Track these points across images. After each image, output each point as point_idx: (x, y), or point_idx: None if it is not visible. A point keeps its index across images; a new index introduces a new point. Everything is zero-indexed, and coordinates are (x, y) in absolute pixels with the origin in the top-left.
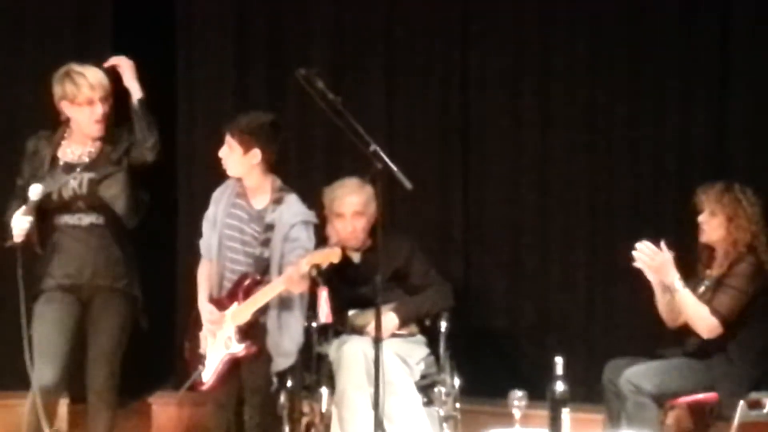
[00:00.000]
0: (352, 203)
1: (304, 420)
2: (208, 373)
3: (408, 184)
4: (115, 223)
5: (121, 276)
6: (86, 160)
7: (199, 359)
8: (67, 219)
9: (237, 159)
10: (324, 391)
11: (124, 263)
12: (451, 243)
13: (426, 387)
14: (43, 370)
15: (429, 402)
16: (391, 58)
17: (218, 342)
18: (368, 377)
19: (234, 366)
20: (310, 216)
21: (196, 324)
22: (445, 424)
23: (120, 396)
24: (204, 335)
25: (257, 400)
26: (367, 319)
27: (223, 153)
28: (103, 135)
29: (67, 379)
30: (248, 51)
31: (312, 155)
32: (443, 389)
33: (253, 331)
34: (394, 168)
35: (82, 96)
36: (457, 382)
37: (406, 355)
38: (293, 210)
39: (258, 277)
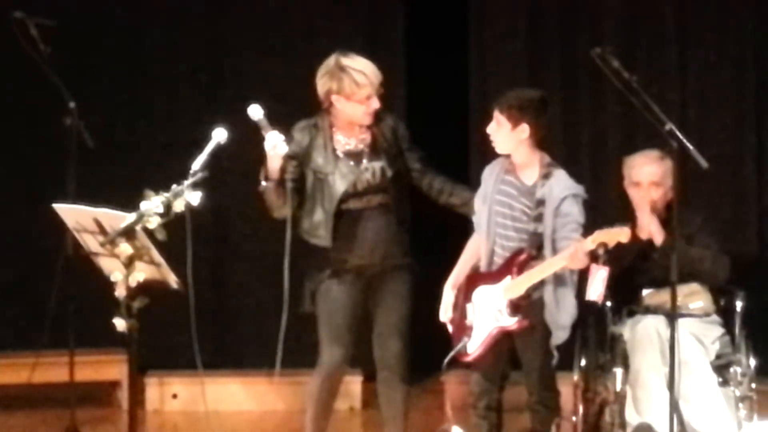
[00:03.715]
0: (649, 173)
1: (598, 399)
2: (474, 345)
3: (704, 163)
4: (398, 203)
5: (405, 253)
6: (364, 147)
7: (464, 331)
8: (357, 203)
9: (505, 134)
10: (618, 370)
11: (406, 240)
12: (744, 220)
13: (721, 367)
14: (332, 348)
15: (724, 382)
16: (683, 37)
17: (487, 314)
18: (663, 357)
19: (502, 340)
20: (580, 190)
21: (462, 295)
22: (740, 405)
23: (413, 374)
24: (470, 307)
25: (536, 375)
26: (662, 298)
27: (491, 129)
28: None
29: (350, 357)
30: (541, 30)
31: (605, 134)
32: (739, 369)
33: (525, 305)
34: (690, 146)
35: (362, 94)
36: (753, 362)
37: (702, 335)
38: (562, 184)
39: (533, 253)
